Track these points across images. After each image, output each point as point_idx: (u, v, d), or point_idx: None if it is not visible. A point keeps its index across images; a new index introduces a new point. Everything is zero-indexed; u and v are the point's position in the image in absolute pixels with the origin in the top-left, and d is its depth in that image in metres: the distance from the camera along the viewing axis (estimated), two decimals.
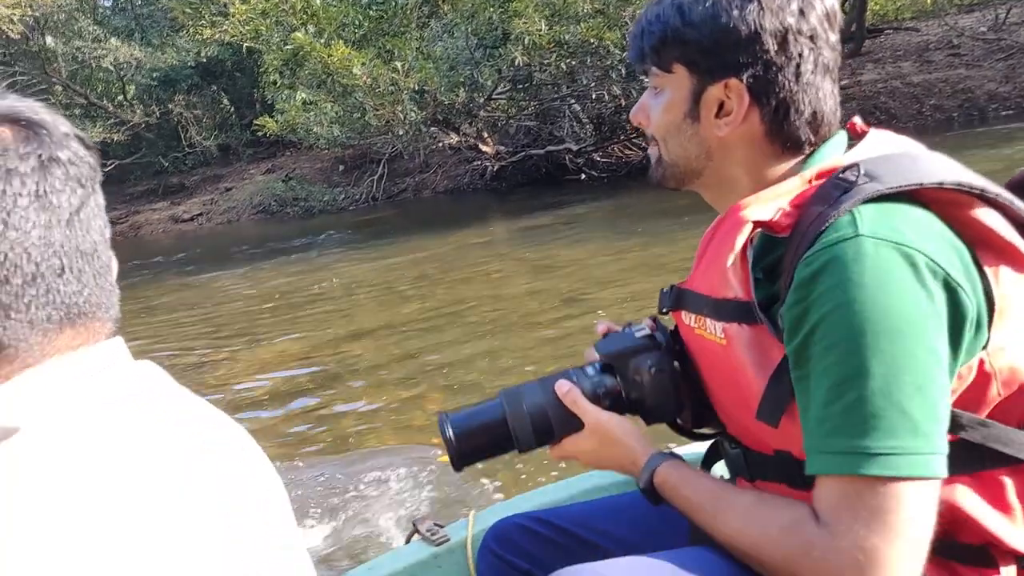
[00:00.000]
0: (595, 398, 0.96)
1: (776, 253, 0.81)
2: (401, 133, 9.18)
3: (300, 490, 2.80)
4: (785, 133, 0.85)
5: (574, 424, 0.96)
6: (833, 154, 0.85)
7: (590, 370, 0.99)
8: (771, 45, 0.82)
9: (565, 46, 8.55)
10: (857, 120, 0.89)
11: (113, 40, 13.64)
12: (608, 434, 0.95)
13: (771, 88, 0.83)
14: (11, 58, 14.37)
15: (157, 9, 14.79)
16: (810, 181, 0.81)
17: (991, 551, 0.79)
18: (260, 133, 11.42)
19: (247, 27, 8.45)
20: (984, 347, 0.73)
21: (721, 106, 0.85)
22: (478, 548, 1.20)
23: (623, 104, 10.11)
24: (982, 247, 0.76)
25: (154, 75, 14.04)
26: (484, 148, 10.81)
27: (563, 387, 0.96)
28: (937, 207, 0.76)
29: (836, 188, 0.77)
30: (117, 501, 0.45)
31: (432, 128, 9.54)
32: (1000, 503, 0.78)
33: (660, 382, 0.95)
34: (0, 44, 14.14)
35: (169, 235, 13.91)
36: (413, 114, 8.65)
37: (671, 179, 0.93)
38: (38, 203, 0.51)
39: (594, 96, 9.87)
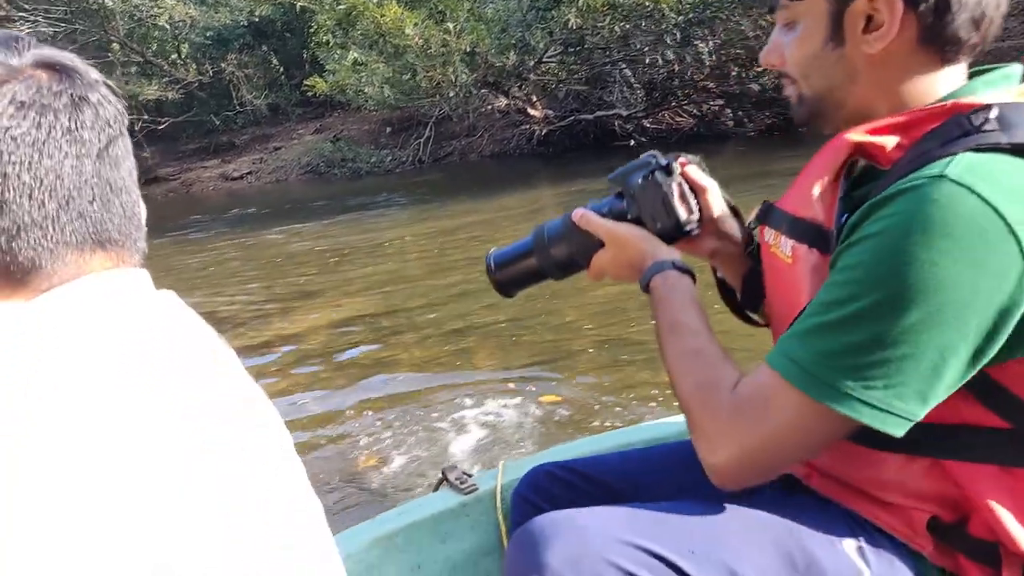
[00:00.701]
0: (603, 216, 1.04)
1: (872, 185, 0.76)
2: (451, 95, 9.17)
3: (343, 437, 2.91)
4: (946, 34, 0.75)
5: (593, 244, 1.03)
6: (987, 90, 0.77)
7: (601, 199, 1.07)
8: None
9: (619, 9, 8.42)
10: None
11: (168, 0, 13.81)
12: (620, 239, 1.00)
13: None
14: (72, 16, 14.64)
15: None
16: (939, 115, 0.74)
17: (999, 550, 0.77)
18: (310, 93, 11.50)
19: None
20: None
21: (869, 20, 0.77)
22: (510, 495, 1.21)
23: (675, 70, 9.92)
24: None
25: (207, 34, 14.20)
26: (532, 112, 10.75)
27: (577, 212, 1.04)
28: None
29: (957, 128, 0.71)
30: (114, 498, 0.45)
31: (482, 91, 9.51)
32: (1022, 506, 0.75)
33: (647, 190, 1.00)
34: (63, 2, 14.42)
35: (219, 192, 14.16)
36: (464, 76, 8.62)
37: (817, 116, 0.86)
38: (70, 136, 0.55)
39: (647, 61, 9.70)
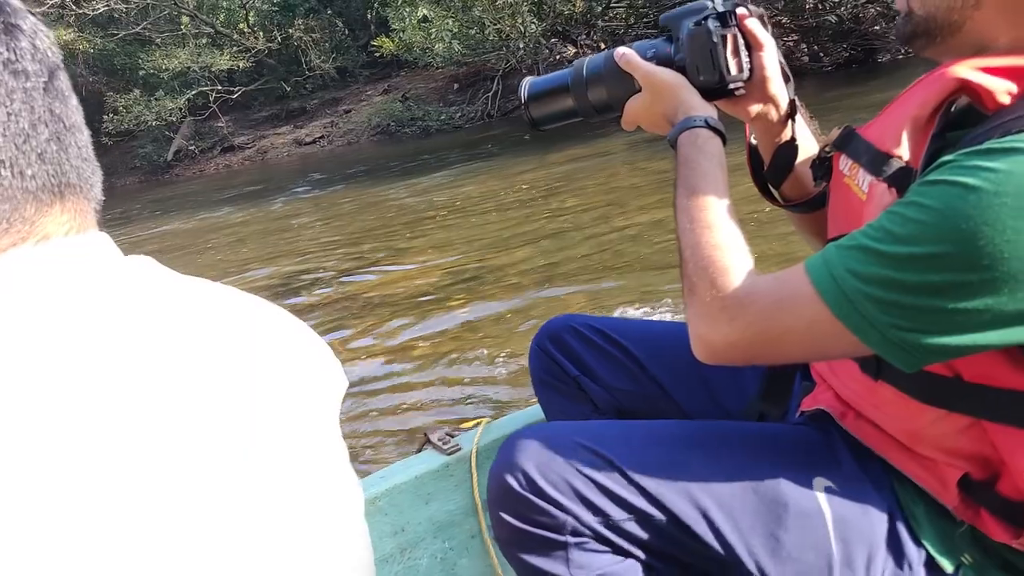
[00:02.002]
0: (646, 59, 0.97)
1: (973, 131, 0.70)
2: (521, 46, 9.10)
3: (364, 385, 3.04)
4: None
5: (632, 88, 0.97)
6: None
7: (650, 40, 1.00)
8: None
9: None
10: None
11: None
12: (658, 86, 0.94)
13: None
14: None
15: None
16: None
17: (1021, 511, 0.76)
18: (377, 54, 11.59)
19: None
20: None
21: None
22: (531, 348, 1.21)
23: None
24: None
25: (274, 1, 14.39)
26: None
27: (619, 50, 0.98)
28: None
29: None
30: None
31: (552, 40, 9.40)
32: None
33: (695, 38, 0.93)
34: None
35: (293, 158, 14.49)
36: (532, 26, 8.53)
37: (921, 35, 0.79)
38: (10, 69, 0.48)
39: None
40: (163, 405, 0.46)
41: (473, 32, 9.42)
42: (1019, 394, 0.71)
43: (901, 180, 0.73)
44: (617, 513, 0.86)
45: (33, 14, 0.54)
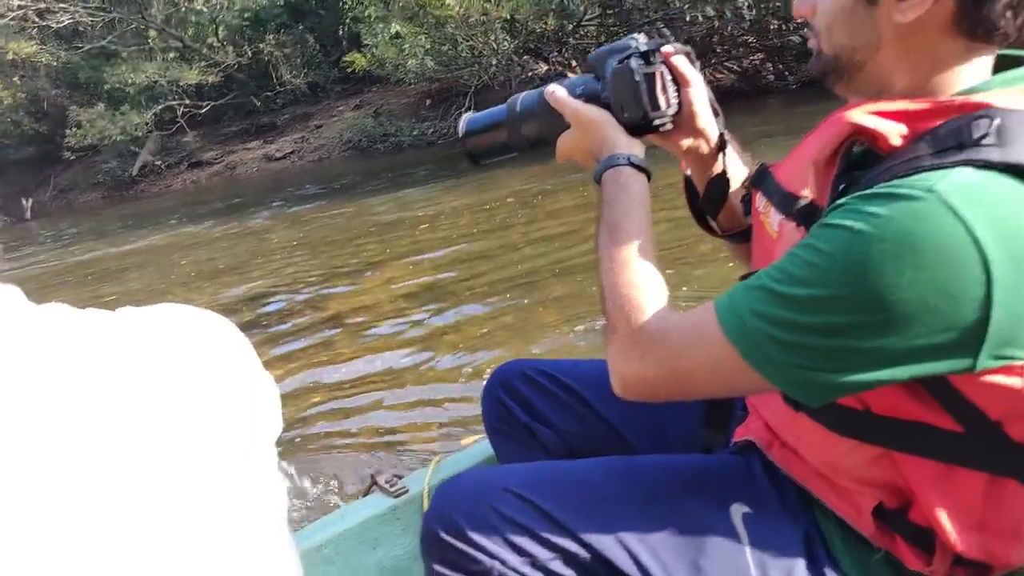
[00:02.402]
0: (575, 96, 1.00)
1: (871, 172, 0.73)
2: (494, 63, 9.14)
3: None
4: (979, 17, 0.71)
5: (562, 124, 1.00)
6: (1003, 90, 0.73)
7: (580, 76, 1.03)
8: None
9: None
10: None
11: None
12: (584, 123, 0.97)
13: None
14: (110, 4, 14.85)
15: None
16: (946, 111, 0.70)
17: (933, 538, 0.79)
18: (349, 70, 11.56)
19: None
20: (1021, 359, 0.67)
21: None
22: (483, 396, 1.21)
23: (715, 26, 9.75)
24: None
25: (245, 16, 14.30)
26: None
27: (549, 88, 1.01)
28: None
29: (955, 136, 0.68)
30: None
31: (524, 57, 9.46)
32: (960, 502, 0.76)
33: (618, 76, 0.95)
34: None
35: (263, 173, 14.35)
36: (505, 43, 8.58)
37: (831, 73, 0.82)
38: None
39: (687, 19, 9.54)
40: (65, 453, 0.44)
41: (446, 49, 9.44)
42: (923, 426, 0.74)
43: (808, 219, 0.76)
44: (543, 553, 0.88)
45: None
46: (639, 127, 0.96)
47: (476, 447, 1.40)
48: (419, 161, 11.07)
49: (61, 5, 14.32)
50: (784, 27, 9.64)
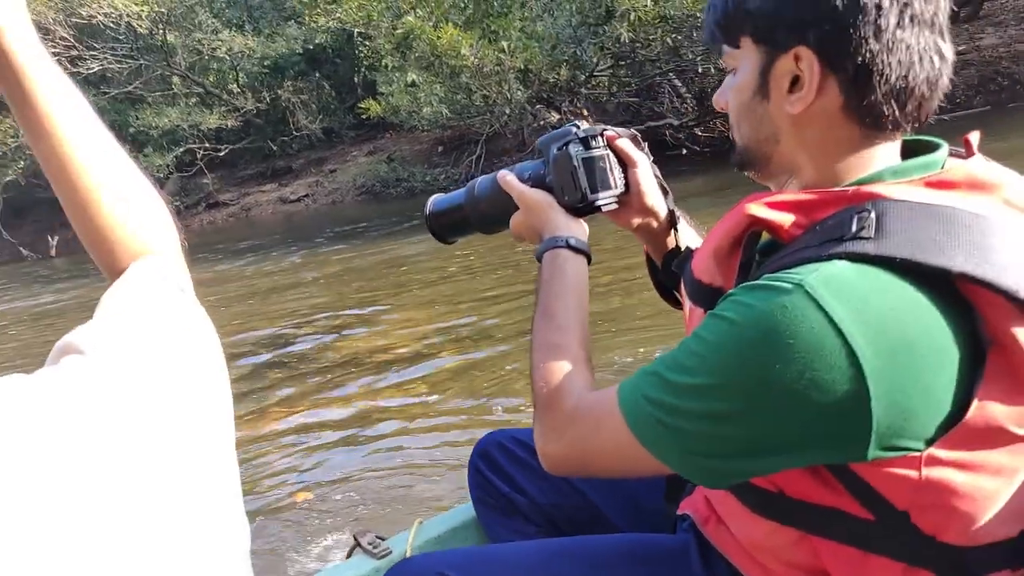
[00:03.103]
0: (524, 180, 1.07)
1: (771, 259, 0.76)
2: (507, 112, 9.37)
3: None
4: (865, 106, 0.73)
5: (513, 204, 1.06)
6: (894, 180, 0.74)
7: (531, 162, 1.09)
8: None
9: (670, 21, 8.52)
10: (972, 138, 0.77)
11: (226, 32, 14.34)
12: (529, 205, 1.03)
13: (845, 50, 0.72)
14: (138, 52, 15.30)
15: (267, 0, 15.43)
16: (840, 201, 0.72)
17: None
18: (364, 116, 11.83)
19: (359, 13, 8.78)
20: (918, 451, 0.68)
21: (795, 81, 0.76)
22: (468, 467, 1.28)
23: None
24: (999, 354, 0.67)
25: (264, 63, 14.70)
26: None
27: (501, 172, 1.08)
28: (971, 294, 0.67)
29: (838, 228, 0.70)
30: None
31: (537, 107, 9.68)
32: None
33: (558, 161, 1.01)
34: (129, 39, 15.09)
35: (278, 216, 14.57)
36: (519, 93, 8.80)
37: (746, 164, 0.86)
38: None
39: (700, 70, 9.76)
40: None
41: (459, 97, 9.68)
42: (835, 512, 0.74)
43: (710, 305, 0.77)
44: None
45: None
46: (580, 209, 1.03)
47: (459, 509, 1.42)
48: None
49: (92, 53, 14.77)
50: None
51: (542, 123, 10.76)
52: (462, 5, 9.02)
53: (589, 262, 1.00)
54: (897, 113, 0.74)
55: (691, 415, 0.72)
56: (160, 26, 14.64)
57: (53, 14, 14.15)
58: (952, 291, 0.66)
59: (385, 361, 4.23)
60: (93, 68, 14.91)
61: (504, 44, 8.50)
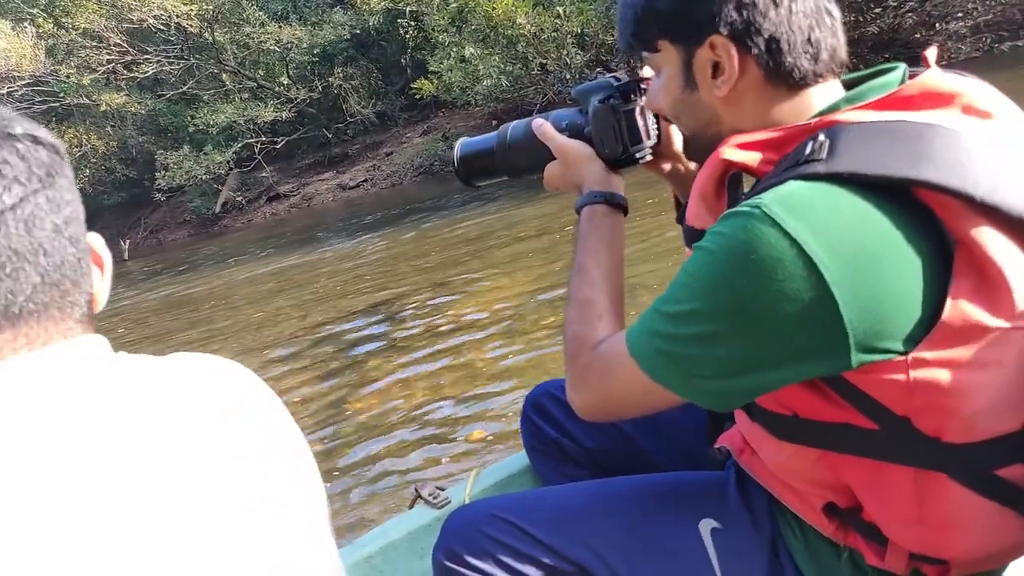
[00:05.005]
0: (561, 130, 1.06)
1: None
2: (567, 77, 9.29)
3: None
4: (784, 70, 0.80)
5: (547, 154, 1.06)
6: (848, 107, 0.78)
7: (566, 110, 1.09)
8: None
9: None
10: (929, 54, 0.80)
11: (272, 24, 14.50)
12: (568, 157, 1.04)
13: (752, 28, 0.79)
14: (188, 52, 15.61)
15: None
16: (805, 132, 0.77)
17: (882, 532, 0.82)
18: (417, 96, 11.87)
19: None
20: (903, 354, 0.70)
21: (716, 67, 0.82)
22: (521, 418, 1.32)
23: None
24: (963, 253, 0.70)
25: (314, 51, 14.84)
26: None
27: (537, 121, 1.09)
28: (927, 200, 0.70)
29: (794, 156, 0.75)
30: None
31: (597, 70, 9.59)
32: (893, 498, 0.78)
33: (599, 114, 1.01)
34: (179, 39, 15.39)
35: (338, 202, 14.77)
36: (578, 57, 8.72)
37: (703, 152, 0.88)
38: None
39: None
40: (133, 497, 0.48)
41: (516, 68, 9.63)
42: (845, 426, 0.77)
43: None
44: (529, 570, 1.00)
45: (32, 136, 0.56)
46: (619, 161, 1.03)
47: (513, 458, 1.47)
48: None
49: (145, 56, 15.12)
50: (860, 19, 9.52)
51: None
52: None
53: (625, 214, 1.02)
54: (816, 66, 0.81)
55: (685, 340, 0.77)
56: (208, 24, 14.88)
57: (105, 21, 14.52)
58: (909, 199, 0.70)
59: (459, 329, 4.32)
60: (148, 71, 15.27)
61: (560, 9, 8.41)
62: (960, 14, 8.34)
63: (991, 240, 0.69)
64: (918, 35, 9.82)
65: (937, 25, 8.37)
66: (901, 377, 0.71)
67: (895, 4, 8.01)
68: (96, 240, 0.63)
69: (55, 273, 0.54)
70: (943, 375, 0.70)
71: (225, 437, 0.55)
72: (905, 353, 0.70)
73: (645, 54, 0.89)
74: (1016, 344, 0.70)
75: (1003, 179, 0.69)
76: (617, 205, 1.02)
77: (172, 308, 8.24)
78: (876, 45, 9.88)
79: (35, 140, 0.55)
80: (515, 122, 1.13)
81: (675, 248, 4.24)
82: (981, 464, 0.74)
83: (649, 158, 1.05)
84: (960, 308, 0.69)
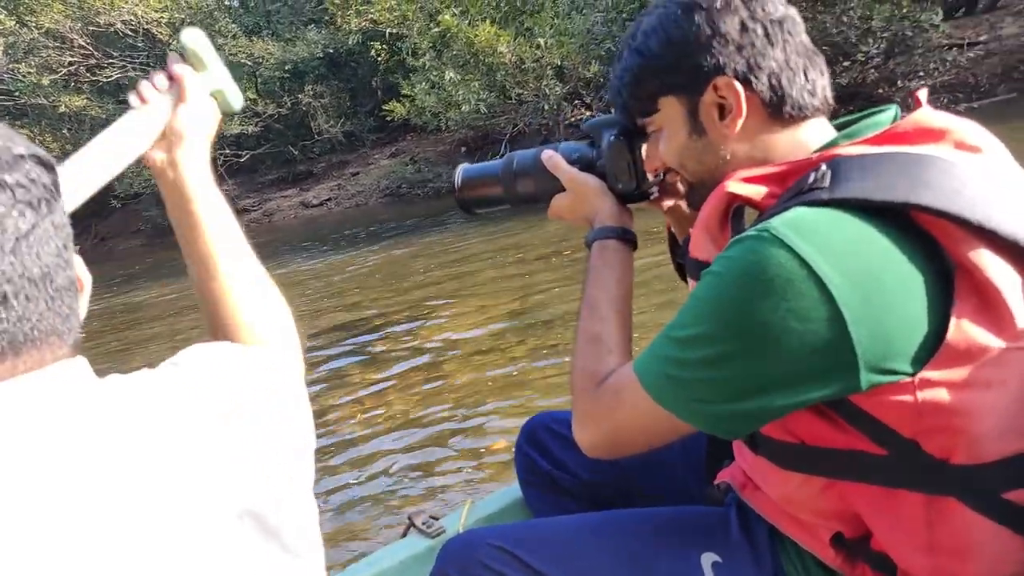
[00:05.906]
0: (571, 163, 1.08)
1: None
2: (545, 108, 9.40)
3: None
4: (787, 104, 0.85)
5: (555, 185, 1.08)
6: (846, 142, 0.81)
7: (575, 143, 1.10)
8: (733, 30, 0.84)
9: None
10: (921, 95, 0.84)
11: (243, 38, 14.37)
12: (580, 190, 1.06)
13: (755, 66, 0.84)
14: (154, 59, 15.32)
15: (284, 4, 15.45)
16: (805, 167, 0.80)
17: (894, 565, 0.81)
18: (387, 119, 11.83)
19: (394, 13, 8.81)
20: (910, 375, 0.71)
21: (721, 109, 0.86)
22: (515, 449, 1.32)
23: None
24: (963, 276, 0.72)
25: (285, 68, 14.72)
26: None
27: (547, 153, 1.10)
28: (927, 225, 0.72)
29: (798, 186, 0.77)
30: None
31: (575, 102, 9.72)
32: (904, 525, 0.78)
33: (616, 149, 1.02)
34: (147, 46, 15.11)
35: (300, 220, 14.57)
36: (557, 89, 8.83)
37: (706, 196, 0.90)
38: None
39: None
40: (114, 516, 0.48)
41: (491, 96, 9.70)
42: (853, 453, 0.77)
43: None
44: None
45: (38, 157, 0.55)
46: (631, 196, 1.05)
47: (507, 490, 1.46)
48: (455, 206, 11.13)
49: (109, 60, 14.80)
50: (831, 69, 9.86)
51: (574, 119, 10.80)
52: (495, 3, 9.05)
53: (635, 249, 1.04)
54: (814, 100, 0.86)
55: (692, 364, 0.77)
56: (178, 32, 14.65)
57: (70, 22, 14.20)
58: (910, 224, 0.72)
59: (438, 350, 4.24)
60: (113, 76, 14.94)
61: (540, 41, 8.53)
62: (922, 73, 8.72)
63: (989, 263, 0.71)
64: (880, 90, 10.23)
65: (899, 83, 8.73)
66: (909, 398, 0.71)
67: (862, 60, 8.34)
68: (78, 261, 0.61)
69: (58, 299, 0.54)
70: (949, 395, 0.71)
71: (225, 441, 0.54)
72: (912, 374, 0.71)
73: (641, 120, 0.92)
74: (1018, 364, 0.71)
75: (997, 206, 0.72)
76: (628, 240, 1.03)
77: (115, 318, 7.95)
78: (842, 97, 10.24)
79: (39, 161, 0.54)
80: (520, 152, 1.13)
81: (653, 278, 4.26)
82: (989, 487, 0.74)
83: (656, 195, 1.07)
84: (963, 329, 0.70)
